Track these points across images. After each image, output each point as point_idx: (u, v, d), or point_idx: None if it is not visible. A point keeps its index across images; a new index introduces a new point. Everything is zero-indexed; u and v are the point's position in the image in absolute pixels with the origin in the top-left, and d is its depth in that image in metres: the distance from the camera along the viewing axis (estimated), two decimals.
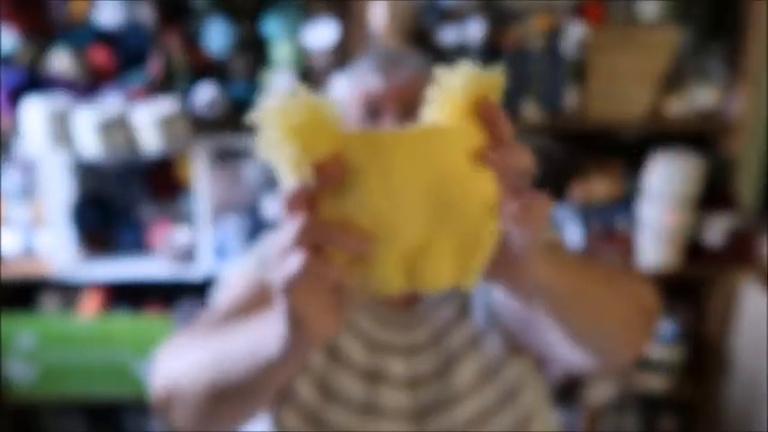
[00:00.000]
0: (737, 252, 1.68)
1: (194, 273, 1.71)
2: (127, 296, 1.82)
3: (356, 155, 0.39)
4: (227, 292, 0.79)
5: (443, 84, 0.42)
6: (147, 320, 1.75)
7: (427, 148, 0.39)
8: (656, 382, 1.76)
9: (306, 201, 0.40)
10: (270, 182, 1.68)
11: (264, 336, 0.51)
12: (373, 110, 0.79)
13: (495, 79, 0.41)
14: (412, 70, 0.80)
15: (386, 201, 0.38)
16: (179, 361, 0.64)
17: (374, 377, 0.78)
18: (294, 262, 0.40)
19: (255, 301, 0.75)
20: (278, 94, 0.38)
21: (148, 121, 1.52)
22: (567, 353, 0.68)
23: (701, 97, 1.63)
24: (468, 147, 0.40)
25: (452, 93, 0.41)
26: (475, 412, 0.78)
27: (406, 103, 0.78)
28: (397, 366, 0.79)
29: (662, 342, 1.72)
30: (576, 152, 1.71)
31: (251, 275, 0.79)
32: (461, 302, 0.83)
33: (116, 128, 1.52)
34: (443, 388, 0.78)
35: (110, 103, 1.59)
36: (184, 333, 0.71)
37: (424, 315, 0.83)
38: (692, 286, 1.85)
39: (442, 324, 0.82)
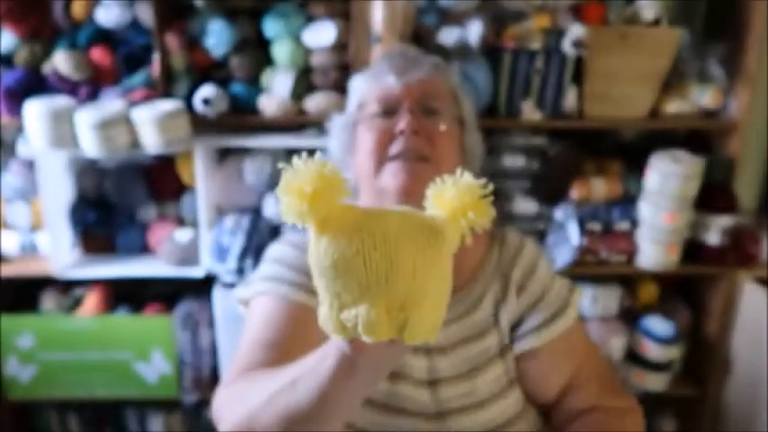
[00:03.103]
0: (737, 252, 1.68)
1: (194, 273, 1.71)
2: (127, 296, 1.82)
3: (360, 221, 0.46)
4: (259, 321, 0.78)
5: (440, 189, 0.48)
6: (147, 320, 1.75)
7: (412, 229, 0.46)
8: (655, 382, 1.76)
9: None
10: (270, 182, 1.68)
11: (325, 354, 0.54)
12: (390, 108, 0.82)
13: (484, 201, 0.47)
14: (426, 71, 0.84)
15: (384, 259, 0.44)
16: (249, 400, 0.63)
17: (396, 376, 0.79)
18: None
19: (297, 324, 0.76)
20: (298, 162, 0.45)
21: (149, 121, 1.52)
22: None
23: (701, 97, 1.63)
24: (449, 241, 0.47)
25: (445, 200, 0.48)
26: (496, 416, 0.79)
27: (420, 102, 0.82)
28: (420, 366, 0.80)
29: (662, 342, 1.72)
30: (576, 152, 1.71)
31: (278, 297, 0.79)
32: (492, 314, 0.84)
33: (116, 128, 1.52)
34: (465, 390, 0.79)
35: (110, 103, 1.59)
36: (238, 372, 0.71)
37: (449, 318, 0.83)
38: (692, 286, 1.85)
39: (470, 331, 0.83)
